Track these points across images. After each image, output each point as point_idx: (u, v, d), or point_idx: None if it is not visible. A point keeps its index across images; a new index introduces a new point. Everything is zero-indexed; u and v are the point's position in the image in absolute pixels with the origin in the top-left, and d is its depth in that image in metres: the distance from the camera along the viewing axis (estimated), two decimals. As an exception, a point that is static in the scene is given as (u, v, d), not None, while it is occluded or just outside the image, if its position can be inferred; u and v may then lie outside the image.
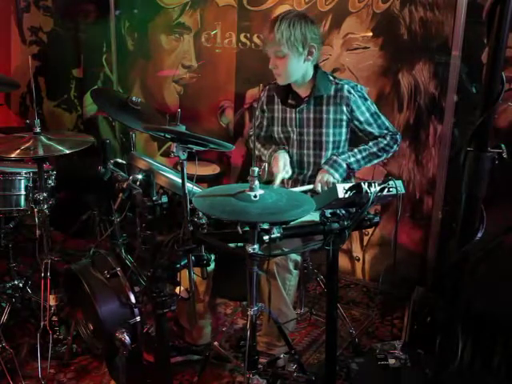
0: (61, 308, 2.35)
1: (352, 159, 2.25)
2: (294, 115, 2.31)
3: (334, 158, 2.25)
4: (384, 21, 2.73)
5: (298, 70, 2.19)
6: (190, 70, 3.56)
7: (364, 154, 2.27)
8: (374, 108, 2.27)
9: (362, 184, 1.65)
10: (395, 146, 2.30)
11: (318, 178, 2.23)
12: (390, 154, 2.33)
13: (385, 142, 2.27)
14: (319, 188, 2.19)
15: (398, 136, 2.29)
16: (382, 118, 2.29)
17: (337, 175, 2.21)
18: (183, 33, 3.51)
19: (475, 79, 2.49)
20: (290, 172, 2.30)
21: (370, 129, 2.27)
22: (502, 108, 2.45)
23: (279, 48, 2.11)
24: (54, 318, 2.30)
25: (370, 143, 2.28)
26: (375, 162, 2.33)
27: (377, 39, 2.78)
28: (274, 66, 2.18)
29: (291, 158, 2.35)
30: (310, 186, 2.23)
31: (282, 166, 2.27)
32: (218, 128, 3.51)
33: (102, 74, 4.00)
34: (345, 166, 2.23)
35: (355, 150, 2.28)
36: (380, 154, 2.28)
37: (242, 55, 3.27)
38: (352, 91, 2.21)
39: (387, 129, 2.29)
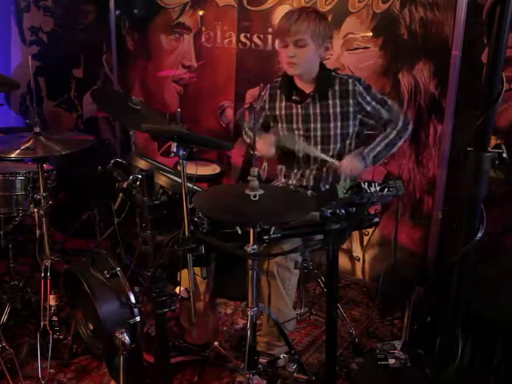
0: (61, 308, 2.35)
1: (375, 152, 2.23)
2: (299, 111, 2.31)
3: (361, 150, 2.24)
4: (384, 21, 2.72)
5: (312, 61, 2.22)
6: (190, 69, 3.56)
7: (382, 144, 2.25)
8: (379, 95, 2.28)
9: (362, 184, 1.65)
10: (409, 127, 2.28)
11: (347, 161, 2.21)
12: (405, 138, 2.29)
13: (398, 127, 2.25)
14: (346, 170, 2.18)
15: (407, 117, 2.29)
16: (389, 102, 2.28)
17: (363, 165, 2.20)
18: (183, 33, 3.51)
19: (475, 79, 2.49)
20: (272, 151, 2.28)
21: (379, 114, 2.27)
22: (502, 108, 2.45)
23: (303, 37, 2.12)
24: (54, 318, 2.30)
25: (388, 129, 2.26)
26: (393, 150, 2.29)
27: (377, 39, 2.78)
28: (294, 55, 2.17)
29: (297, 154, 2.34)
30: (336, 162, 2.22)
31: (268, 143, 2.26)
32: (217, 128, 3.51)
33: (101, 73, 4.00)
34: (370, 159, 2.22)
35: (375, 144, 2.25)
36: (397, 141, 2.26)
37: (242, 55, 3.27)
38: (357, 83, 2.24)
39: (396, 112, 2.28)
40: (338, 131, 2.28)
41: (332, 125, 2.27)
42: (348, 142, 2.32)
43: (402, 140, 2.30)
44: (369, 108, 2.26)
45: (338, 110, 2.26)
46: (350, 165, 2.20)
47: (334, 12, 2.86)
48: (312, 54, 2.18)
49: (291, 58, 2.18)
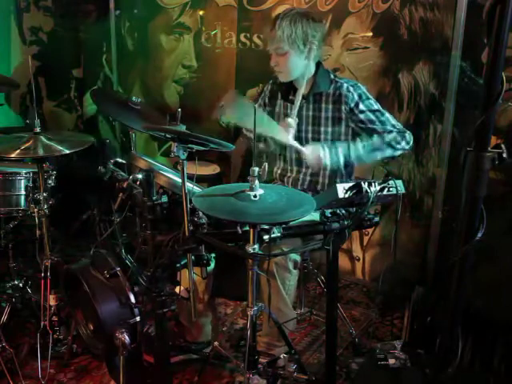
0: (61, 308, 2.35)
1: (352, 149, 2.15)
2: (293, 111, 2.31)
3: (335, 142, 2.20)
4: (384, 21, 2.72)
5: (298, 67, 2.19)
6: (190, 69, 3.56)
7: (366, 145, 2.16)
8: (376, 106, 2.20)
9: (362, 184, 1.65)
10: (403, 143, 2.16)
11: (310, 147, 2.17)
12: (399, 152, 2.18)
13: (390, 136, 2.16)
14: (309, 156, 2.14)
15: (406, 134, 2.18)
16: (386, 115, 2.20)
17: (327, 153, 2.12)
18: (183, 33, 3.51)
19: (475, 79, 2.49)
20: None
21: (372, 126, 2.18)
22: (501, 108, 2.45)
23: (280, 45, 2.12)
24: (54, 318, 2.30)
25: (375, 137, 2.17)
26: (379, 155, 2.18)
27: (377, 39, 2.78)
28: (275, 64, 2.18)
29: (291, 155, 2.36)
30: (302, 148, 2.17)
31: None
32: (218, 128, 3.50)
33: (101, 73, 4.00)
34: (339, 151, 2.15)
35: (358, 143, 2.18)
36: (384, 147, 2.16)
37: (242, 55, 3.27)
38: (351, 90, 2.18)
39: (393, 126, 2.19)
40: (329, 137, 2.25)
41: (323, 129, 2.25)
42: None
43: (387, 153, 2.17)
44: (362, 117, 2.17)
45: (330, 114, 2.23)
46: (311, 152, 2.14)
47: (334, 12, 2.86)
48: (294, 59, 2.15)
49: (275, 67, 2.19)
